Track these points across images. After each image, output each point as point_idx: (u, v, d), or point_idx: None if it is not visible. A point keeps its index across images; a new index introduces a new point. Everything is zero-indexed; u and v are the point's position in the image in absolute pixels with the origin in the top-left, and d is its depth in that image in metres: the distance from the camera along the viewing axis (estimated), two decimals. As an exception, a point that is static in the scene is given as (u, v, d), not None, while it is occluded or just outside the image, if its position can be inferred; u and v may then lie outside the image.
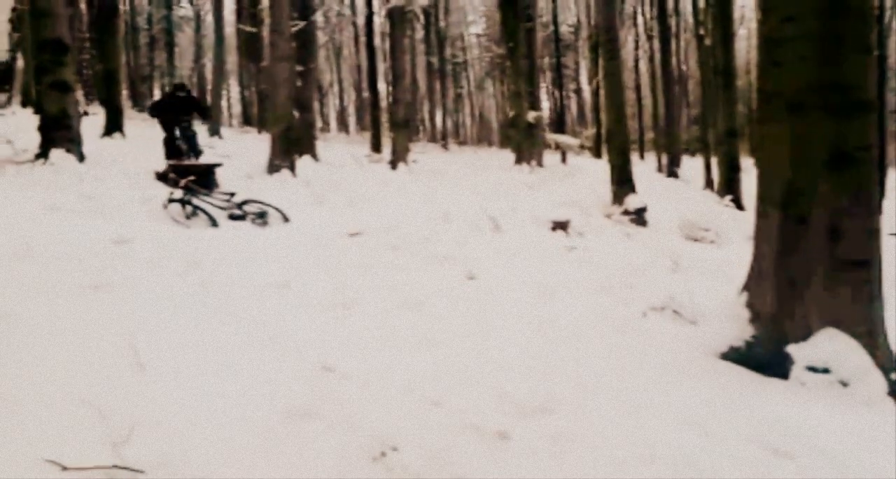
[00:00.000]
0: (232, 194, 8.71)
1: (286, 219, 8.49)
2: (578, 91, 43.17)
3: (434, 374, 3.68)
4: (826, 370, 3.80)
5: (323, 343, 3.92)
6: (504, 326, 4.72)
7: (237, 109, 43.14)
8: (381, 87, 27.50)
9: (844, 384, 3.74)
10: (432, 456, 2.74)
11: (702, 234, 11.19)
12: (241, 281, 5.10)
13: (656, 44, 29.42)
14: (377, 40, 29.16)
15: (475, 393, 3.48)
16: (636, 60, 37.01)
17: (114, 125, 15.12)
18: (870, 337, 3.87)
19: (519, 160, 19.68)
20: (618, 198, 12.92)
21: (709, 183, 22.24)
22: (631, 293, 5.87)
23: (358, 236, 7.63)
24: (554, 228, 9.79)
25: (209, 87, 27.03)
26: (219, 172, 10.03)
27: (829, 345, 3.84)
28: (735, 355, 4.18)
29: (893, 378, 3.82)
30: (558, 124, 33.06)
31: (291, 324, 4.19)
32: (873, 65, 3.93)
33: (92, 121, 14.96)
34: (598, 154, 31.30)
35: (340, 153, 18.71)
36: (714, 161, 21.42)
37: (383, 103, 28.48)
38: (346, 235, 7.66)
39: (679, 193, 18.52)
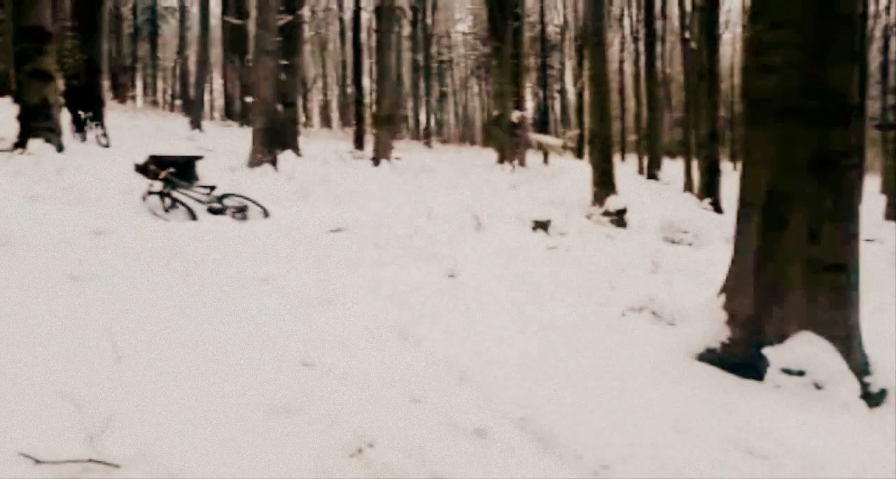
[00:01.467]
0: (212, 188, 8.65)
1: (267, 214, 8.44)
2: (563, 92, 43.28)
3: (414, 371, 3.68)
4: (801, 373, 3.84)
5: (304, 338, 3.91)
6: (486, 324, 4.73)
7: (220, 102, 42.76)
8: (366, 83, 27.46)
9: (819, 387, 3.79)
10: (410, 453, 2.74)
11: (681, 236, 11.27)
12: (221, 275, 5.07)
13: (642, 46, 29.64)
14: (363, 36, 29.04)
15: (455, 391, 3.49)
16: (621, 62, 37.25)
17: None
18: (845, 340, 3.93)
19: (502, 160, 19.74)
20: (599, 199, 13.01)
21: (689, 186, 22.43)
22: (611, 294, 5.91)
23: (340, 233, 7.60)
24: (535, 228, 9.84)
25: (192, 79, 26.80)
26: (199, 165, 9.94)
27: (805, 348, 3.89)
28: (712, 357, 4.22)
29: (867, 381, 3.88)
30: (541, 125, 33.12)
31: (273, 319, 4.17)
32: (857, 72, 3.99)
33: (72, 111, 14.72)
34: (579, 155, 31.45)
35: (323, 149, 18.63)
36: (694, 164, 21.61)
37: (367, 100, 28.41)
38: (328, 231, 7.63)
39: (659, 195, 18.67)
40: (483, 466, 2.75)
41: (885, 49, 29.50)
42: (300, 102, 32.79)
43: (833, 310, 3.95)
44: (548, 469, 2.79)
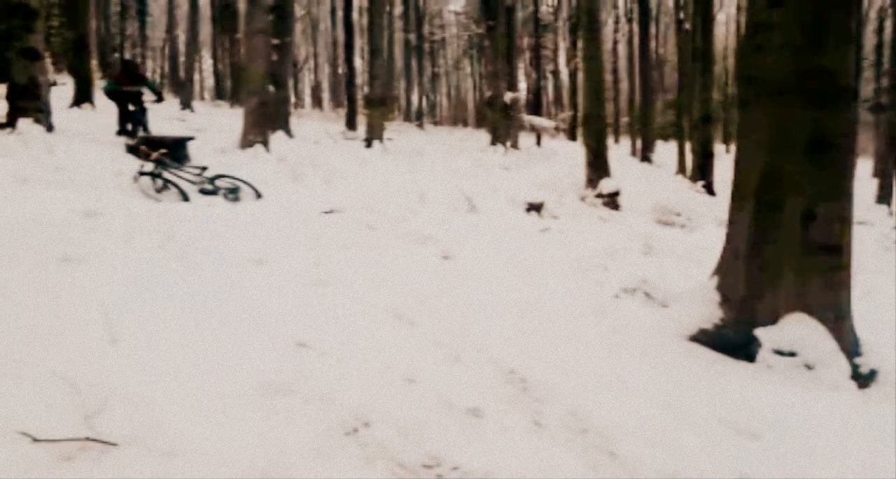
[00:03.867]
0: (204, 169, 8.60)
1: (259, 195, 8.41)
2: (556, 73, 43.10)
3: (409, 351, 3.69)
4: (792, 354, 3.88)
5: (299, 320, 3.91)
6: (480, 305, 4.74)
7: (210, 82, 42.42)
8: (358, 63, 27.27)
9: (809, 368, 3.83)
10: (405, 432, 2.75)
11: (674, 218, 11.31)
12: (214, 256, 5.05)
13: (636, 27, 29.51)
14: (355, 15, 28.81)
15: (449, 371, 3.50)
16: (615, 43, 37.13)
17: (83, 95, 14.82)
18: (836, 322, 3.96)
19: (494, 141, 19.69)
20: (592, 181, 13.01)
21: (682, 168, 22.46)
22: (604, 276, 5.93)
23: (333, 214, 7.58)
24: (528, 210, 9.85)
25: (181, 59, 26.54)
26: (191, 145, 9.88)
27: (797, 329, 3.92)
28: (704, 338, 4.25)
29: (857, 362, 3.92)
30: (535, 106, 32.99)
31: (268, 300, 4.17)
32: (853, 53, 3.98)
33: (61, 91, 14.62)
34: (573, 137, 31.43)
35: (315, 130, 18.53)
36: (687, 146, 21.63)
37: (359, 80, 28.23)
38: (321, 212, 7.61)
39: (652, 178, 18.69)
40: (477, 445, 2.76)
41: (880, 31, 29.52)
42: (291, 82, 32.56)
43: (825, 292, 3.98)
44: (542, 448, 2.82)
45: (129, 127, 11.27)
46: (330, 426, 2.71)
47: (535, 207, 9.97)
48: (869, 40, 29.81)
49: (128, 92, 11.25)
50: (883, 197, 22.36)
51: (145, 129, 11.30)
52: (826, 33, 3.82)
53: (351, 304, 4.44)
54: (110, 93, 11.38)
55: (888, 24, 28.41)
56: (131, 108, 11.31)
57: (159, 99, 11.74)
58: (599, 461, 2.78)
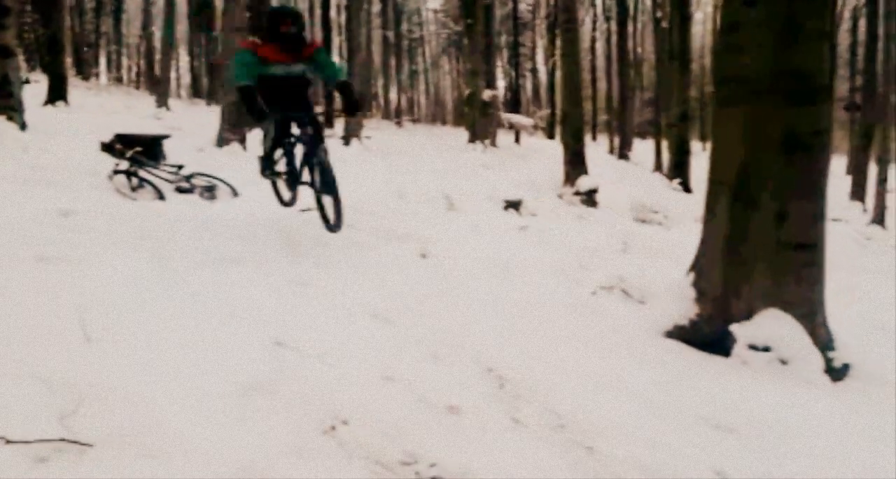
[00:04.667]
0: (180, 167, 8.52)
1: (235, 193, 8.35)
2: (534, 71, 43.23)
3: (387, 350, 3.69)
4: (767, 349, 3.93)
5: (277, 319, 3.89)
6: (459, 303, 4.75)
7: (186, 79, 42.03)
8: (336, 60, 27.16)
9: (784, 362, 3.88)
10: (383, 430, 2.75)
11: (651, 216, 11.41)
12: (191, 255, 5.01)
13: (613, 25, 29.68)
14: (333, 13, 28.68)
15: (427, 369, 3.50)
16: (593, 41, 37.27)
17: (57, 93, 14.63)
18: (810, 318, 4.02)
19: (473, 139, 19.71)
20: (570, 179, 13.09)
21: (659, 166, 22.65)
22: (582, 273, 5.97)
23: (311, 212, 7.55)
24: (507, 208, 9.88)
25: (157, 56, 26.28)
26: (167, 144, 9.78)
27: (771, 325, 3.97)
28: (680, 334, 4.29)
29: (830, 357, 3.98)
30: (513, 104, 33.06)
31: (245, 299, 4.14)
32: (828, 52, 4.03)
33: (34, 89, 14.43)
34: (551, 135, 31.56)
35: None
36: (665, 145, 21.81)
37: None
38: (299, 210, 7.57)
39: (630, 176, 18.81)
40: (456, 442, 2.77)
41: (854, 30, 29.93)
42: (269, 80, 32.26)
43: (799, 288, 4.03)
44: (522, 444, 2.83)
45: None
46: (309, 425, 2.70)
47: (513, 205, 10.00)
48: (843, 39, 30.21)
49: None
50: (857, 194, 22.69)
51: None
52: (800, 33, 3.86)
53: (329, 303, 4.43)
54: None
55: (862, 23, 28.82)
56: None
57: None
58: (577, 456, 2.80)
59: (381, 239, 6.69)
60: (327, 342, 3.65)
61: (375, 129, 24.84)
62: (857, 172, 23.21)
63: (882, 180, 16.88)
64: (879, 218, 16.73)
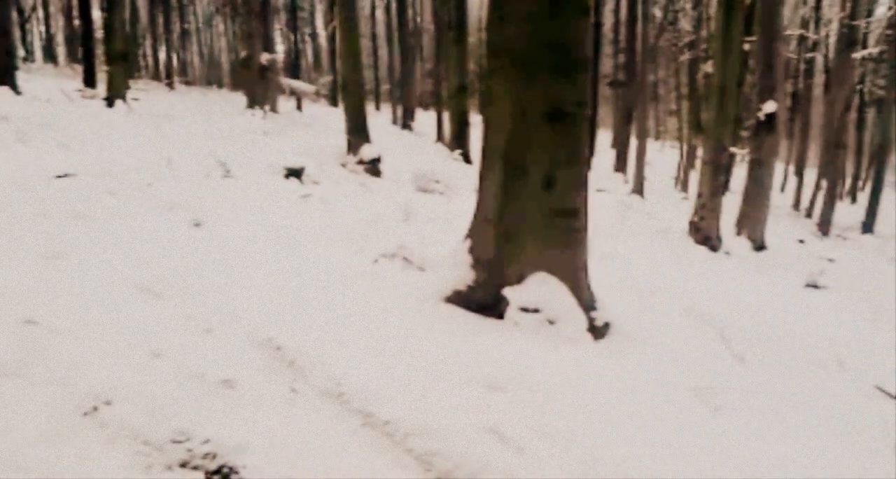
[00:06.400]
0: None
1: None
2: (314, 35, 42.31)
3: (156, 326, 3.45)
4: (536, 310, 4.15)
5: (27, 296, 3.52)
6: (235, 274, 4.54)
7: None
8: (96, 15, 24.65)
9: (552, 323, 4.13)
10: (151, 409, 2.59)
11: (433, 185, 11.65)
12: None
13: (393, -5, 29.72)
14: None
15: (200, 343, 3.34)
16: (373, 8, 37.17)
17: None
18: (575, 280, 4.30)
19: (251, 104, 18.91)
20: (353, 147, 13.00)
21: (440, 136, 23.23)
22: (364, 242, 5.95)
23: (68, 179, 6.80)
24: (288, 176, 9.60)
25: None
26: None
27: (540, 288, 4.20)
28: (459, 299, 4.41)
29: (592, 316, 4.29)
30: (293, 69, 32.18)
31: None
32: (591, 27, 4.26)
33: None
34: (334, 102, 31.19)
35: (48, 87, 16.51)
36: (446, 116, 22.38)
37: (98, 34, 25.50)
38: (54, 177, 6.79)
39: (412, 146, 19.16)
40: (231, 416, 2.66)
41: (617, 10, 32.47)
42: (19, 33, 28.67)
43: (565, 252, 4.29)
44: (298, 414, 2.77)
45: None
46: (67, 408, 2.51)
47: (295, 173, 9.73)
48: (608, 19, 32.69)
49: None
50: (619, 166, 24.93)
51: None
52: (564, 6, 4.05)
53: (90, 278, 4.06)
54: None
55: (623, 3, 31.38)
56: None
57: None
58: (355, 422, 2.81)
59: (150, 209, 6.20)
60: (88, 320, 3.37)
61: (144, 89, 22.96)
62: (620, 146, 25.48)
63: (641, 153, 18.61)
64: (639, 188, 18.49)
